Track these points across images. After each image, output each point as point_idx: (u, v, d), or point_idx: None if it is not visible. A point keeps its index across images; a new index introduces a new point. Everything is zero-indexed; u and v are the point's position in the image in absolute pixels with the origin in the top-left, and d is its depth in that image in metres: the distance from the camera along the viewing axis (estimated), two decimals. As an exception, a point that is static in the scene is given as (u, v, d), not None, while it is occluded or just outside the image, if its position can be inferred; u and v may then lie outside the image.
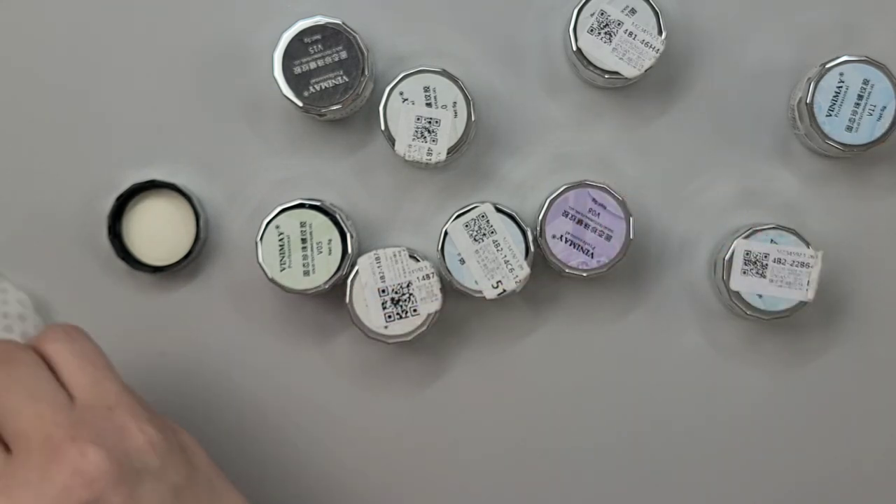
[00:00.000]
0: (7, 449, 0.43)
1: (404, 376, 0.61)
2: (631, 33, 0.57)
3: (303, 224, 0.58)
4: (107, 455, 0.42)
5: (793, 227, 0.58)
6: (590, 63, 0.58)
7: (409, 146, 0.57)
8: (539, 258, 0.58)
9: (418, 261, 0.57)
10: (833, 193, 0.61)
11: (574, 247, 0.57)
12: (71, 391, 0.45)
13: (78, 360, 0.46)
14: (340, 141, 0.61)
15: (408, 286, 0.57)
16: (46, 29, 0.61)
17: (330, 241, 0.58)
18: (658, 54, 0.57)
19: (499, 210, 0.58)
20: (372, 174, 0.61)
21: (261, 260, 0.58)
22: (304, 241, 0.58)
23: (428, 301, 0.57)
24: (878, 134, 0.57)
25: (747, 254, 0.57)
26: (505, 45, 0.61)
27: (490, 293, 0.57)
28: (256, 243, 0.58)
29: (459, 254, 0.57)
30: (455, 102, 0.57)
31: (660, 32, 0.57)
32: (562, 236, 0.57)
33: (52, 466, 0.41)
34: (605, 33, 0.57)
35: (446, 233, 0.57)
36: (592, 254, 0.57)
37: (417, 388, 0.61)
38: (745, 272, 0.57)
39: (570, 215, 0.57)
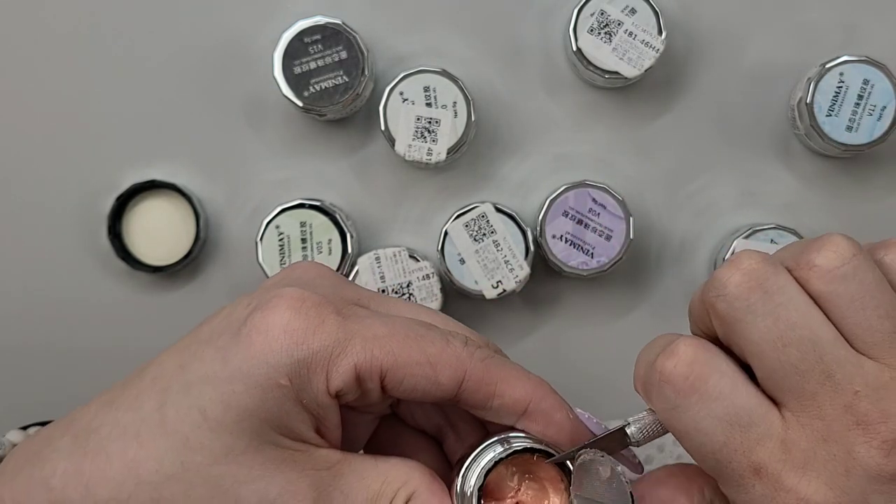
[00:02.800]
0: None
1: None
2: (631, 33, 0.57)
3: (303, 224, 0.58)
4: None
5: (793, 227, 0.58)
6: (590, 63, 0.58)
7: (409, 146, 0.57)
8: (539, 258, 0.58)
9: (418, 261, 0.57)
10: (833, 193, 0.61)
11: (574, 247, 0.57)
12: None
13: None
14: (340, 141, 0.61)
15: (408, 286, 0.57)
16: (47, 29, 0.61)
17: (330, 241, 0.58)
18: (658, 54, 0.57)
19: (499, 210, 0.58)
20: (372, 174, 0.61)
21: (261, 260, 0.58)
22: (304, 241, 0.58)
23: (428, 301, 0.57)
24: (878, 134, 0.57)
25: (747, 254, 0.57)
26: (505, 45, 0.61)
27: (490, 293, 0.57)
28: (256, 243, 0.58)
29: (459, 254, 0.57)
30: (455, 102, 0.57)
31: (660, 32, 0.57)
32: (562, 236, 0.57)
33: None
34: (605, 33, 0.57)
35: (446, 233, 0.57)
36: (592, 254, 0.57)
37: (417, 388, 0.61)
38: (745, 272, 0.57)
39: (570, 215, 0.57)
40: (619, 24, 0.57)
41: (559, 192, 0.58)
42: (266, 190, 0.61)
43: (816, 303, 0.37)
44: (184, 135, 0.61)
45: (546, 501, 0.40)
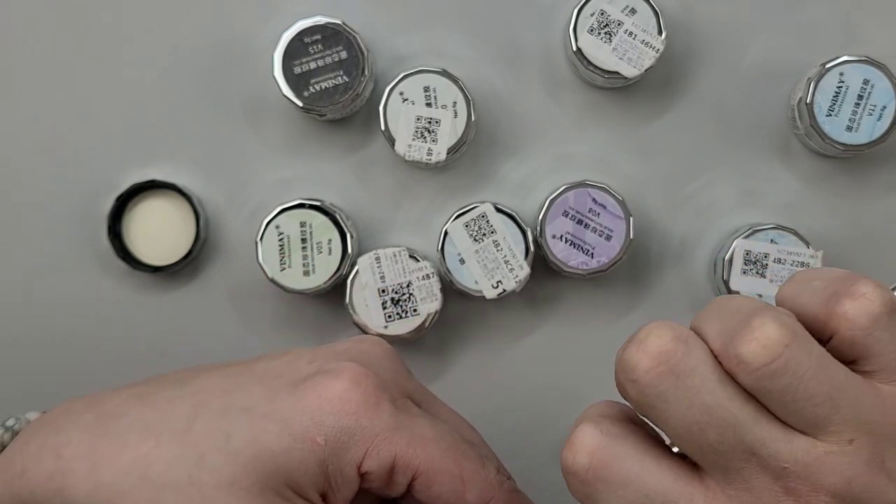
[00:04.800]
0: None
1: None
2: (631, 33, 0.57)
3: (303, 224, 0.58)
4: None
5: (793, 227, 0.58)
6: (590, 63, 0.58)
7: (409, 146, 0.57)
8: (539, 258, 0.58)
9: (418, 261, 0.57)
10: (833, 193, 0.61)
11: (574, 247, 0.57)
12: None
13: None
14: (340, 141, 0.61)
15: (408, 286, 0.57)
16: (46, 29, 0.61)
17: (330, 241, 0.58)
18: (658, 54, 0.57)
19: (499, 210, 0.58)
20: (372, 174, 0.61)
21: (261, 260, 0.58)
22: (304, 241, 0.58)
23: (428, 301, 0.57)
24: (878, 134, 0.57)
25: (747, 254, 0.57)
26: (505, 45, 0.61)
27: (490, 293, 0.57)
28: (256, 243, 0.58)
29: (459, 254, 0.57)
30: (455, 102, 0.57)
31: (660, 32, 0.57)
32: (562, 236, 0.57)
33: None
34: (605, 33, 0.57)
35: (446, 233, 0.57)
36: (592, 254, 0.57)
37: (417, 388, 0.61)
38: (745, 272, 0.57)
39: (570, 215, 0.57)
40: (619, 24, 0.57)
41: (559, 192, 0.58)
42: (266, 190, 0.61)
43: (848, 352, 0.34)
44: (184, 135, 0.61)
45: None
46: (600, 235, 0.57)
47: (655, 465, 0.35)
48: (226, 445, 0.38)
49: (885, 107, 0.57)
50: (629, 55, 0.57)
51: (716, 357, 0.34)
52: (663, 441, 0.36)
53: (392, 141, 0.57)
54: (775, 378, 0.33)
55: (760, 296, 0.57)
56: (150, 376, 0.44)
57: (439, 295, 0.57)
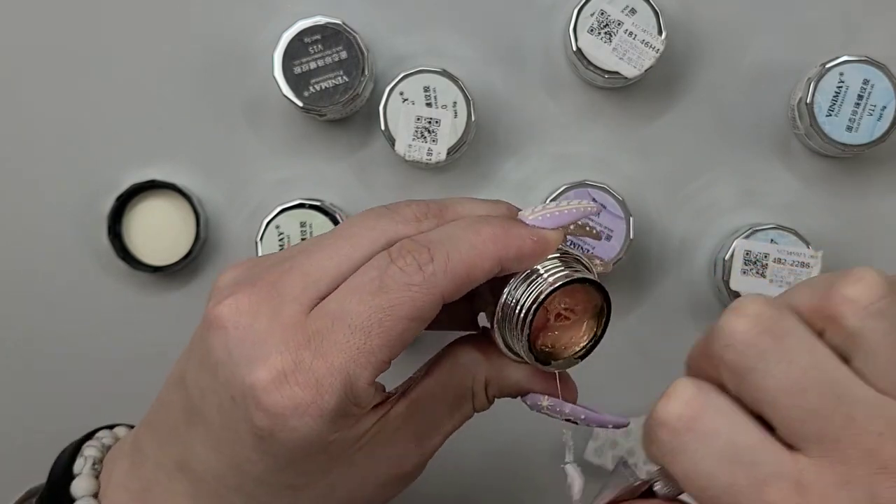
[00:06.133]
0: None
1: (404, 375, 0.61)
2: (631, 33, 0.57)
3: (303, 224, 0.58)
4: None
5: (793, 227, 0.58)
6: (590, 63, 0.58)
7: (409, 146, 0.57)
8: (539, 258, 0.58)
9: (418, 261, 0.57)
10: (833, 193, 0.61)
11: (574, 247, 0.57)
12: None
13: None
14: (340, 141, 0.61)
15: (408, 286, 0.57)
16: (47, 29, 0.61)
17: (330, 241, 0.58)
18: (658, 54, 0.57)
19: (499, 210, 0.58)
20: (372, 174, 0.61)
21: (261, 260, 0.58)
22: (303, 240, 0.57)
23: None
24: (878, 134, 0.57)
25: (747, 254, 0.57)
26: (505, 45, 0.61)
27: (490, 293, 0.57)
28: (256, 243, 0.58)
29: (459, 254, 0.57)
30: (455, 102, 0.57)
31: (660, 32, 0.57)
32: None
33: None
34: (605, 33, 0.57)
35: (446, 233, 0.57)
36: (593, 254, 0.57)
37: (417, 388, 0.61)
38: (745, 272, 0.57)
39: (570, 215, 0.57)
40: (619, 24, 0.57)
41: (559, 192, 0.58)
42: (266, 190, 0.61)
43: (842, 344, 0.34)
44: (184, 135, 0.61)
45: (577, 298, 0.41)
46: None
47: (747, 425, 0.35)
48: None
49: (885, 107, 0.57)
50: (629, 55, 0.57)
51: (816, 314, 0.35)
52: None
53: (392, 141, 0.57)
54: (881, 317, 0.33)
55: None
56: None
57: (439, 295, 0.57)
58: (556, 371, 0.41)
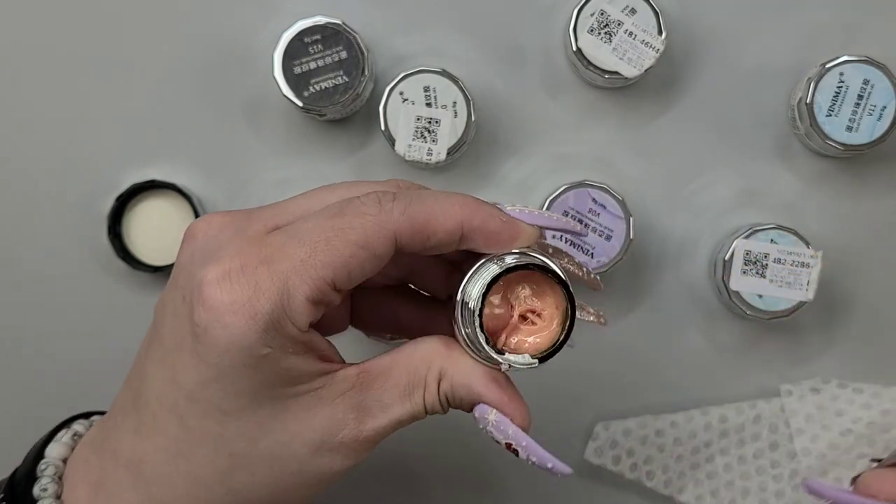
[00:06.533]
0: None
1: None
2: (631, 33, 0.57)
3: (303, 224, 0.58)
4: None
5: (793, 227, 0.58)
6: (590, 63, 0.58)
7: (409, 146, 0.57)
8: (539, 258, 0.58)
9: (418, 261, 0.57)
10: (833, 193, 0.61)
11: (574, 247, 0.57)
12: None
13: None
14: (340, 141, 0.61)
15: (408, 286, 0.57)
16: (47, 29, 0.61)
17: (330, 241, 0.58)
18: (658, 54, 0.57)
19: (499, 210, 0.58)
20: (372, 174, 0.61)
21: (261, 260, 0.57)
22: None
23: (428, 301, 0.57)
24: (878, 134, 0.57)
25: (747, 254, 0.57)
26: (505, 45, 0.61)
27: (490, 293, 0.57)
28: (256, 243, 0.58)
29: (459, 254, 0.57)
30: (455, 102, 0.57)
31: (660, 32, 0.57)
32: (562, 236, 0.57)
33: None
34: (605, 33, 0.57)
35: (446, 233, 0.57)
36: (592, 254, 0.57)
37: (417, 388, 0.61)
38: (745, 272, 0.57)
39: (570, 215, 0.57)
40: (619, 24, 0.57)
41: (559, 192, 0.58)
42: (266, 190, 0.61)
43: None
44: (184, 135, 0.61)
45: (546, 302, 0.40)
46: (600, 235, 0.57)
47: None
48: (225, 416, 0.39)
49: (885, 107, 0.57)
50: (629, 55, 0.57)
51: None
52: None
53: (392, 141, 0.57)
54: None
55: (760, 296, 0.57)
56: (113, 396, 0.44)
57: (439, 295, 0.57)
58: (507, 369, 0.40)
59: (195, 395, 0.39)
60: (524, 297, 0.40)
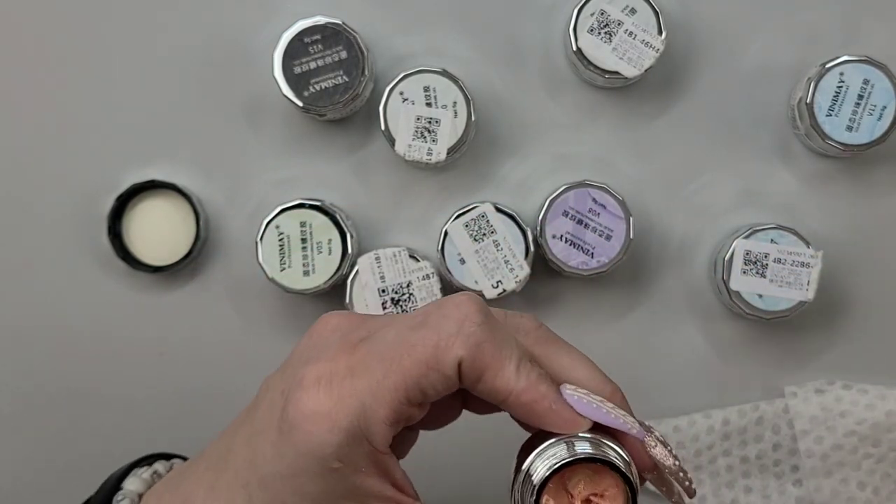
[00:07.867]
0: None
1: None
2: (631, 33, 0.57)
3: (303, 224, 0.58)
4: None
5: (793, 227, 0.58)
6: (590, 63, 0.58)
7: (409, 146, 0.57)
8: (539, 258, 0.58)
9: (418, 261, 0.57)
10: (833, 193, 0.61)
11: (574, 247, 0.57)
12: None
13: None
14: (340, 141, 0.61)
15: (408, 286, 0.57)
16: (47, 29, 0.61)
17: (330, 241, 0.58)
18: (658, 54, 0.57)
19: (499, 210, 0.58)
20: (372, 174, 0.61)
21: (261, 260, 0.58)
22: (304, 241, 0.58)
23: (428, 301, 0.57)
24: (878, 134, 0.57)
25: (747, 254, 0.57)
26: (505, 45, 0.61)
27: (490, 293, 0.57)
28: (256, 243, 0.58)
29: (459, 254, 0.57)
30: (455, 102, 0.57)
31: (660, 32, 0.57)
32: (562, 236, 0.57)
33: None
34: (605, 33, 0.57)
35: (446, 233, 0.57)
36: (592, 254, 0.57)
37: (417, 388, 0.61)
38: (745, 272, 0.57)
39: (570, 215, 0.57)
40: (619, 24, 0.57)
41: (559, 192, 0.58)
42: (266, 190, 0.61)
43: None
44: (184, 135, 0.61)
45: (605, 482, 0.39)
46: (600, 235, 0.57)
47: None
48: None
49: (885, 107, 0.57)
50: (629, 55, 0.57)
51: None
52: None
53: (392, 141, 0.57)
54: None
55: (760, 296, 0.57)
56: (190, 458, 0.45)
57: (439, 295, 0.57)
58: None
59: (266, 483, 0.40)
60: (583, 483, 0.39)
